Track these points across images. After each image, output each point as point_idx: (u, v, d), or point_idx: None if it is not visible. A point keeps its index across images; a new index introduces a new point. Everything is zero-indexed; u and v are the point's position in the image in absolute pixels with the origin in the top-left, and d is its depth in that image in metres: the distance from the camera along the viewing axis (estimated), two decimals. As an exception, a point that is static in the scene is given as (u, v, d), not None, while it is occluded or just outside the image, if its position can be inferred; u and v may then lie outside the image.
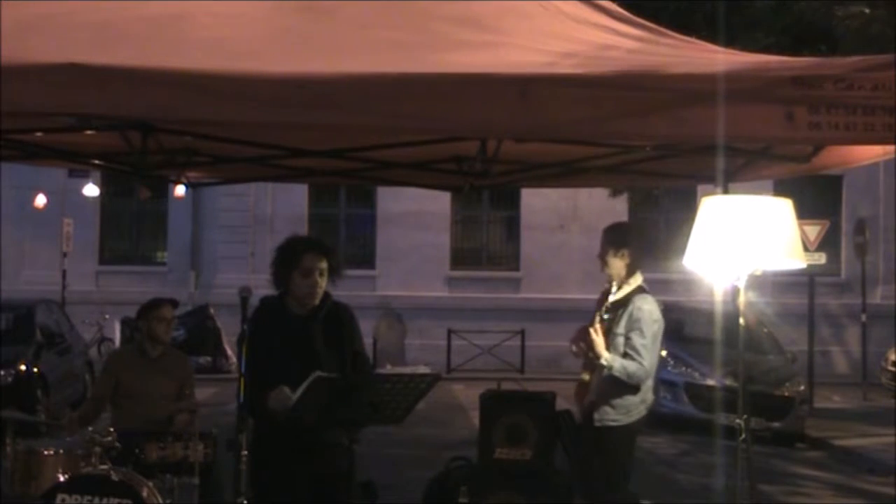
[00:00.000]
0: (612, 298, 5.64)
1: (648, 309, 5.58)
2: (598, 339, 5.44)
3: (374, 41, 3.99)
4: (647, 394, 5.64)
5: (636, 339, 5.50)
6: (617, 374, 5.44)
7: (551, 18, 4.41)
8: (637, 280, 5.66)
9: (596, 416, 5.53)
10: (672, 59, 3.99)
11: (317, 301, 4.81)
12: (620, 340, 5.51)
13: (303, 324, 4.80)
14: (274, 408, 4.46)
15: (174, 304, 6.27)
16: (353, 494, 4.95)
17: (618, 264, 5.65)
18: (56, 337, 13.88)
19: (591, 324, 5.60)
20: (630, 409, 5.57)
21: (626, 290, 5.62)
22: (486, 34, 4.17)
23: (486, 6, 4.44)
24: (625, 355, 5.49)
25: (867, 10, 11.39)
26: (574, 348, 5.74)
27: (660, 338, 5.66)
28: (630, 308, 5.55)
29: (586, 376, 5.63)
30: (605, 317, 5.60)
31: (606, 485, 5.61)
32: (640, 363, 5.48)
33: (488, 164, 5.48)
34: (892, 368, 18.00)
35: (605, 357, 5.43)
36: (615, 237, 5.70)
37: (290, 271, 4.78)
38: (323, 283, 4.80)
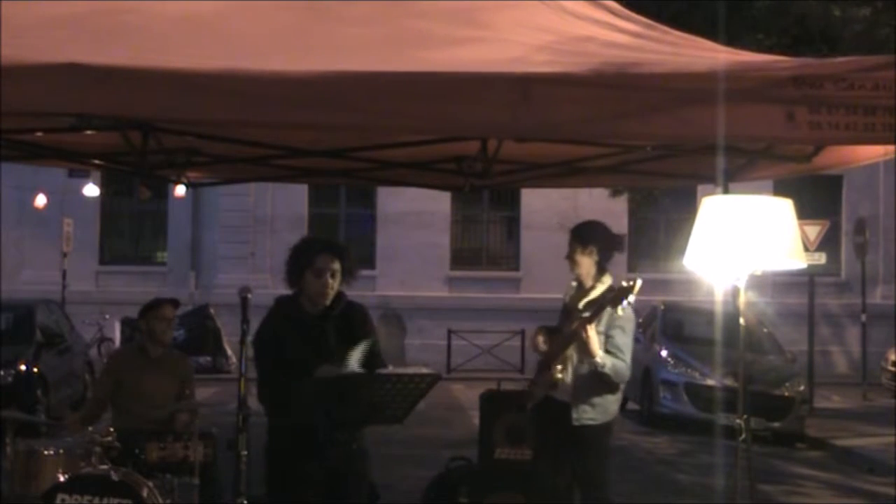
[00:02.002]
0: (588, 297, 5.59)
1: (626, 307, 5.54)
2: (594, 337, 5.37)
3: (374, 40, 3.99)
4: (620, 392, 5.64)
5: (619, 338, 5.46)
6: (609, 372, 5.40)
7: (550, 14, 4.40)
8: (608, 279, 5.62)
9: (574, 415, 5.47)
10: (666, 57, 3.98)
11: (328, 301, 4.87)
12: (601, 339, 5.48)
13: (317, 323, 4.86)
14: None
15: (175, 304, 6.26)
16: (362, 494, 4.97)
17: (587, 262, 5.61)
18: (56, 337, 13.88)
19: (584, 325, 5.48)
20: (608, 408, 5.55)
21: (601, 288, 5.57)
22: (477, 30, 4.16)
23: (486, 4, 4.44)
24: (607, 353, 5.47)
25: (868, 14, 11.37)
26: (541, 347, 5.67)
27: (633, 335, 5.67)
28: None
29: (559, 375, 5.55)
30: (584, 315, 5.53)
31: (591, 484, 5.58)
32: (625, 361, 5.46)
33: (488, 164, 5.48)
34: (892, 368, 17.99)
35: (600, 356, 5.38)
36: (581, 235, 5.65)
37: (303, 271, 4.83)
38: (335, 283, 4.86)
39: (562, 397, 5.53)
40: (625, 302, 5.26)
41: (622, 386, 5.61)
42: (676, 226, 20.14)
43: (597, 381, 5.45)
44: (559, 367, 5.51)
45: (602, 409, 5.52)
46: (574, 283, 5.75)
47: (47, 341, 13.35)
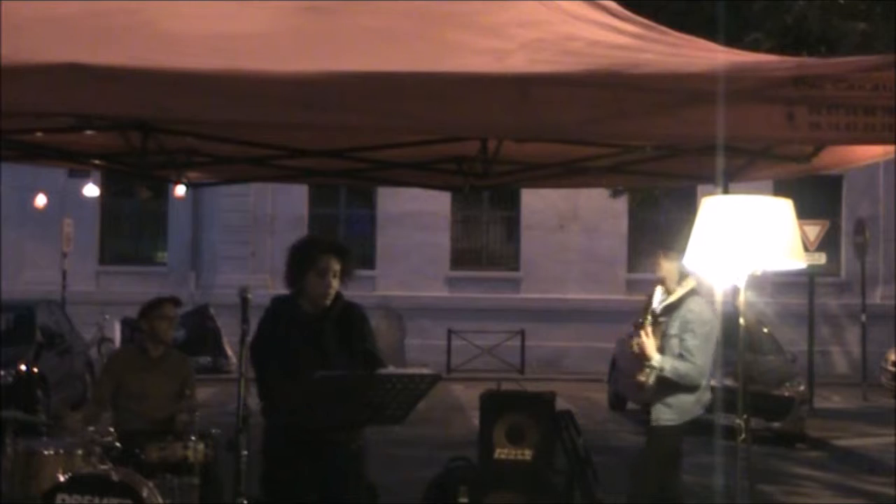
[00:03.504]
0: (667, 301, 5.78)
1: (699, 311, 5.74)
2: (649, 340, 5.59)
3: (374, 41, 3.99)
4: (703, 394, 5.77)
5: (689, 341, 5.66)
6: (668, 375, 5.56)
7: (549, 14, 4.40)
8: (690, 283, 5.79)
9: (652, 415, 5.67)
10: (666, 58, 3.98)
11: (329, 301, 4.87)
12: (675, 342, 5.68)
13: (315, 323, 4.86)
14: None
15: (176, 302, 6.26)
16: (360, 494, 4.98)
17: (669, 267, 5.79)
18: (56, 337, 13.88)
19: (641, 325, 5.71)
20: (684, 409, 5.71)
21: (680, 292, 5.78)
22: (476, 31, 4.15)
23: (484, 4, 4.43)
24: (679, 356, 5.63)
25: (863, 26, 11.37)
26: (633, 348, 5.86)
27: (713, 339, 5.78)
28: (682, 310, 5.70)
29: (642, 377, 5.73)
30: (661, 319, 5.73)
31: (655, 482, 5.73)
32: (693, 363, 5.63)
33: (488, 164, 5.49)
34: (892, 368, 17.99)
35: (656, 359, 5.58)
36: (665, 240, 5.91)
37: (305, 271, 4.83)
38: (336, 284, 4.87)
39: (644, 398, 5.75)
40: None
41: (703, 384, 5.75)
42: (676, 226, 20.15)
43: (671, 383, 5.64)
44: (647, 370, 5.70)
45: (678, 410, 5.72)
46: (659, 287, 5.94)
47: (47, 341, 13.35)
